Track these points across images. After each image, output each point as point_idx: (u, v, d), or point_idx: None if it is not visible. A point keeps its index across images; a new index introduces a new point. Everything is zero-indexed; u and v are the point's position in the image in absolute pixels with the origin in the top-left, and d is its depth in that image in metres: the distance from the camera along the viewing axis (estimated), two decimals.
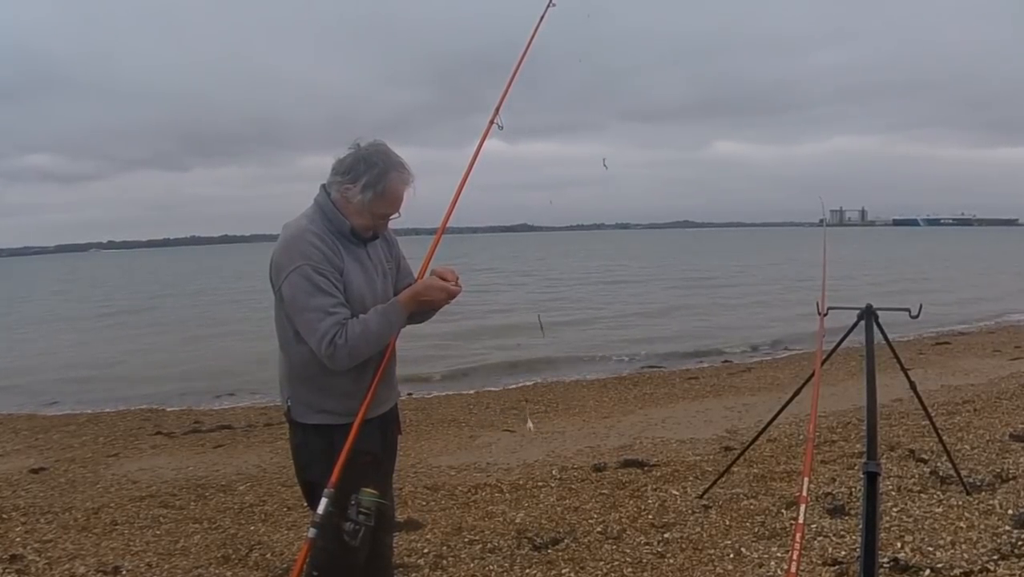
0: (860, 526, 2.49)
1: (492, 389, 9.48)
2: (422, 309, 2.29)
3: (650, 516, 3.87)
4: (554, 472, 4.98)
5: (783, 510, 3.74)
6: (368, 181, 2.16)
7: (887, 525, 3.34)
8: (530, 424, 6.87)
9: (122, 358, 13.88)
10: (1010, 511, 3.39)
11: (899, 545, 3.14)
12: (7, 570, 3.51)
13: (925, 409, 3.70)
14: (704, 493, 4.13)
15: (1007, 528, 3.22)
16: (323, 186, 2.25)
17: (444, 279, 2.29)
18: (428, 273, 2.36)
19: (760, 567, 3.10)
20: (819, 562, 3.07)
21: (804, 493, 2.48)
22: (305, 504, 2.37)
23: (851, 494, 3.81)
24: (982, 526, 3.28)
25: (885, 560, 2.97)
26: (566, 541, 3.59)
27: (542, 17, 2.78)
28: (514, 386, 9.60)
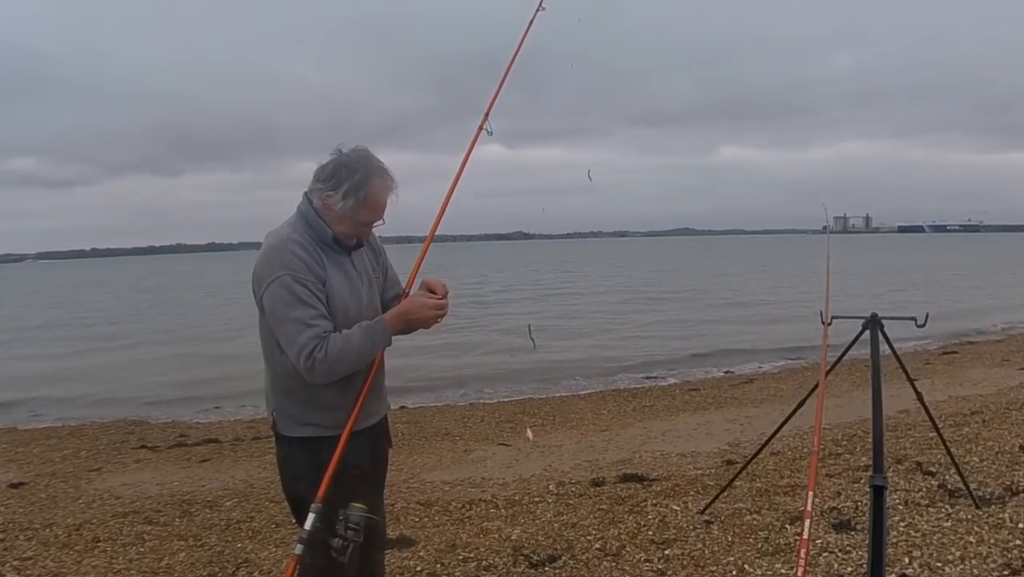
0: (867, 541, 2.45)
1: (487, 401, 9.38)
2: (410, 328, 2.24)
3: (650, 532, 3.80)
4: (551, 487, 4.91)
5: (787, 525, 3.68)
6: (349, 188, 2.11)
7: (894, 540, 3.30)
8: (529, 433, 6.82)
9: (104, 369, 13.69)
10: (1021, 525, 3.35)
11: (907, 561, 3.09)
12: None
13: (932, 420, 3.65)
14: (706, 508, 4.06)
15: (1018, 542, 3.18)
16: (305, 194, 2.21)
17: (433, 291, 2.24)
18: (417, 283, 2.31)
19: None
20: None
21: (809, 508, 2.45)
22: (294, 520, 2.31)
23: (857, 508, 3.75)
24: (992, 541, 3.23)
25: (893, 576, 2.92)
26: (564, 558, 3.52)
27: (531, 21, 2.77)
28: (509, 399, 9.48)
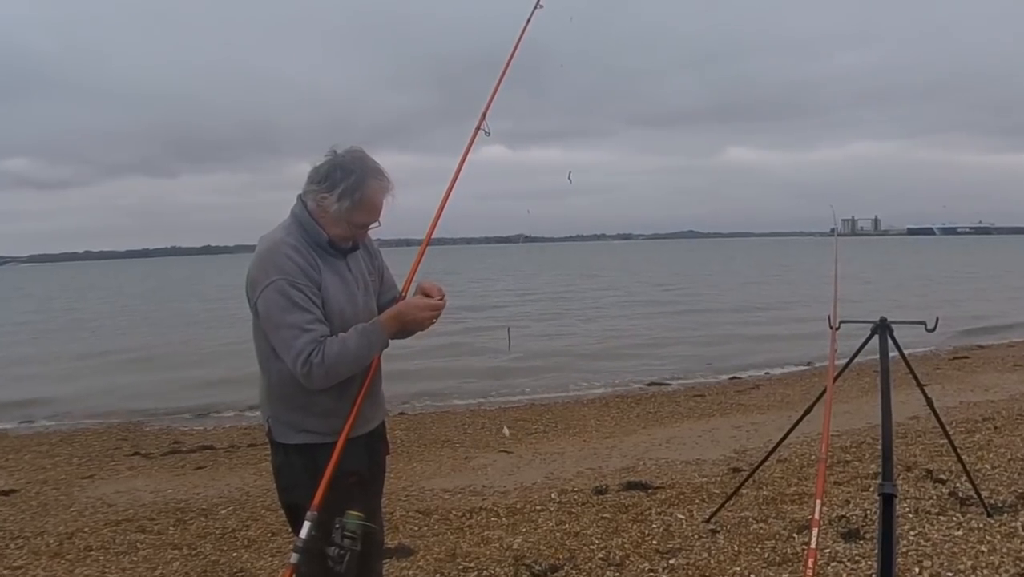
0: (876, 551, 2.42)
1: (488, 408, 9.30)
2: (406, 329, 2.21)
3: (654, 541, 3.74)
4: (553, 495, 4.87)
5: (795, 534, 3.62)
6: (345, 189, 2.08)
7: (904, 549, 3.25)
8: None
9: (97, 374, 13.60)
10: None
11: (917, 570, 3.05)
12: None
13: (943, 427, 3.60)
14: (711, 517, 4.01)
15: None
16: (300, 196, 2.18)
17: (428, 295, 2.22)
18: (414, 287, 2.29)
19: None
20: None
21: (817, 516, 2.42)
22: (290, 529, 2.27)
23: (866, 517, 3.70)
24: (1004, 550, 3.18)
25: None
26: (566, 568, 3.47)
27: (528, 20, 2.75)
28: (510, 405, 9.42)
